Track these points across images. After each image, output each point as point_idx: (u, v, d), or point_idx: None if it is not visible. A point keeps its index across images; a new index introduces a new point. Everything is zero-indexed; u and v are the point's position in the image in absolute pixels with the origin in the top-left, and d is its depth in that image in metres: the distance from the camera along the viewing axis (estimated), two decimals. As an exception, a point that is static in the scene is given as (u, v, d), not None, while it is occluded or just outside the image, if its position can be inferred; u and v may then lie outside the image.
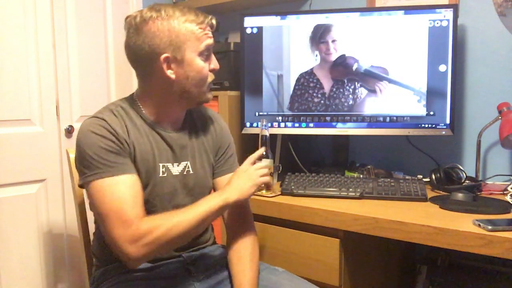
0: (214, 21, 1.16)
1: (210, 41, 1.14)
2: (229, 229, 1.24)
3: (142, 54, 1.10)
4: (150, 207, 1.14)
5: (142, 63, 1.12)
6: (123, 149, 1.08)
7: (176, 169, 1.19)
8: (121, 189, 1.03)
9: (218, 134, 1.30)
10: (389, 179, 1.52)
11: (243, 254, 1.17)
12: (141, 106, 1.17)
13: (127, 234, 1.00)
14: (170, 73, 1.11)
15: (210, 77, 1.17)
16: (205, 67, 1.14)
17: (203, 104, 1.22)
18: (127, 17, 1.13)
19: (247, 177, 1.15)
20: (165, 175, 1.17)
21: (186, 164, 1.20)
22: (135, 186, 1.06)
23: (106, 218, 1.02)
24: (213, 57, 1.17)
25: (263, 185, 1.23)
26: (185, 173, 1.20)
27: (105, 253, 1.16)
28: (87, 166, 1.05)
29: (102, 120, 1.09)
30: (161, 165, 1.16)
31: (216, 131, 1.29)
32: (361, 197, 1.43)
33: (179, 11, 1.10)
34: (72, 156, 1.28)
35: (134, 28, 1.10)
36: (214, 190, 1.29)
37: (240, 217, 1.24)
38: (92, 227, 1.25)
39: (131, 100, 1.19)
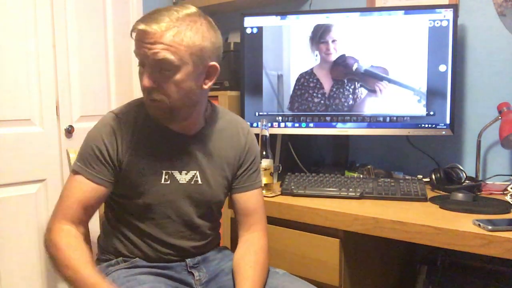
0: (142, 28, 0.98)
1: (137, 51, 1.02)
2: (241, 237, 1.21)
3: None
4: (151, 214, 1.13)
5: None
6: (110, 157, 1.09)
7: (183, 177, 1.14)
8: (77, 191, 1.08)
9: (242, 147, 1.22)
10: (389, 179, 1.52)
11: (248, 263, 1.12)
12: None
13: (50, 226, 1.08)
14: None
15: (144, 92, 1.06)
16: (140, 76, 1.06)
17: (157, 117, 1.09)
18: None
19: None
20: (168, 182, 1.13)
21: (195, 173, 1.15)
22: (91, 194, 1.09)
23: (58, 200, 1.10)
24: (145, 72, 1.03)
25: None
26: (192, 182, 1.15)
27: (110, 245, 1.17)
28: (79, 154, 1.12)
29: (115, 118, 1.12)
30: (164, 172, 1.13)
31: (240, 144, 1.22)
32: (361, 197, 1.43)
33: None
34: (72, 156, 1.28)
35: None
36: (233, 207, 1.24)
37: (251, 227, 1.20)
38: (92, 227, 1.24)
39: None
